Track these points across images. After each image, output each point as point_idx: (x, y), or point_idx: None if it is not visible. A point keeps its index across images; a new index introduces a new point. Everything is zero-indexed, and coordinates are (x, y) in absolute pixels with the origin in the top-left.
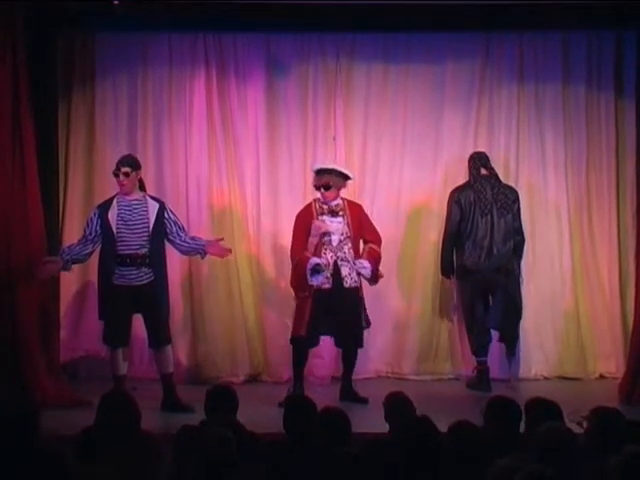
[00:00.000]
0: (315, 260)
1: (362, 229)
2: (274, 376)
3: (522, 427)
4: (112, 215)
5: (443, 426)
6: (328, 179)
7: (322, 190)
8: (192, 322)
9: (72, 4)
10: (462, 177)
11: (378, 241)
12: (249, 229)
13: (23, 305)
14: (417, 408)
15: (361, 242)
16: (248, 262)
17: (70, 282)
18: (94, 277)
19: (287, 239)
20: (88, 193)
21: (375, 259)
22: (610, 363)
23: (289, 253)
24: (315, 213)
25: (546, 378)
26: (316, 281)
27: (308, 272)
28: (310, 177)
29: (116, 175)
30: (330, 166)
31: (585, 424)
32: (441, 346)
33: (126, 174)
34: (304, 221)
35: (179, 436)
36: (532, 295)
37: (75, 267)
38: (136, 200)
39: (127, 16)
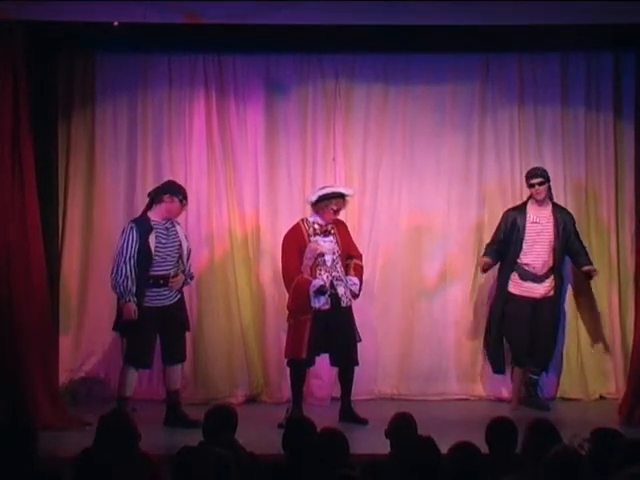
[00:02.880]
0: (319, 282)
1: (348, 246)
2: (273, 397)
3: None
4: (152, 238)
5: (444, 448)
6: (346, 204)
7: (338, 213)
8: (191, 342)
9: (72, 26)
10: (465, 197)
11: (360, 256)
12: (248, 249)
13: (22, 327)
14: (422, 429)
15: None
16: (248, 283)
17: (69, 304)
18: (94, 298)
19: None
20: (88, 215)
21: (361, 275)
22: (610, 384)
23: (282, 275)
24: (306, 234)
25: (546, 399)
26: (319, 303)
27: (312, 294)
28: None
29: (184, 205)
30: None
31: (586, 446)
32: (448, 366)
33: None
34: (295, 242)
35: (178, 457)
36: None
37: (74, 287)
38: (169, 224)
39: (127, 38)
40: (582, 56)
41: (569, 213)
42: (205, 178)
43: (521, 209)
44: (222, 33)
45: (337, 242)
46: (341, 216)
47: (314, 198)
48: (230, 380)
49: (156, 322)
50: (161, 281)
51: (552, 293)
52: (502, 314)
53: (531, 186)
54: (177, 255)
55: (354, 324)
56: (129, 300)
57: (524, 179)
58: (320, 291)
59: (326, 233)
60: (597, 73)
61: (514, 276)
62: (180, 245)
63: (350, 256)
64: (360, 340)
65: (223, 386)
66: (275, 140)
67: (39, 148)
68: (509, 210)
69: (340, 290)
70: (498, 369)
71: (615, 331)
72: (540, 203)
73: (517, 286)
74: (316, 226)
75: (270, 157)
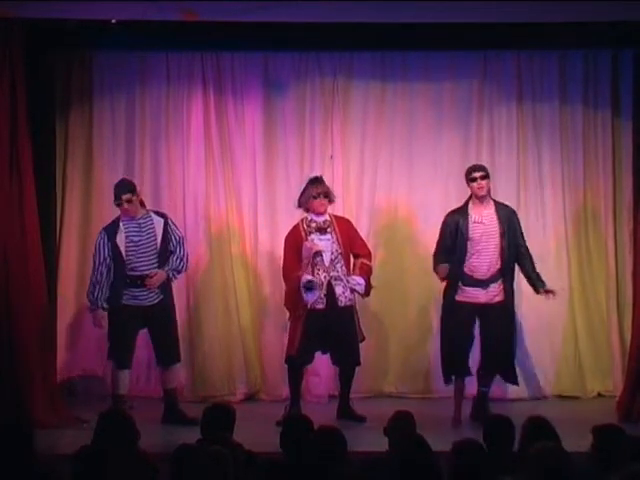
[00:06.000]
0: (307, 277)
1: (352, 244)
2: (272, 394)
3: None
4: (120, 238)
5: (443, 445)
6: (327, 188)
7: (321, 197)
8: (189, 340)
9: (70, 23)
10: (462, 195)
11: (369, 255)
12: (246, 247)
13: (20, 325)
14: (421, 427)
15: (351, 257)
16: (245, 280)
17: (67, 302)
18: None
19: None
20: (85, 214)
21: (367, 274)
22: (608, 381)
23: (282, 276)
24: (304, 234)
25: (544, 397)
26: (311, 298)
27: (302, 289)
28: None
29: (119, 205)
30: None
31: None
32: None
33: (128, 200)
34: (293, 242)
35: (176, 455)
36: (530, 314)
37: (71, 285)
38: (142, 219)
39: (125, 35)
40: (580, 54)
41: (512, 210)
42: (203, 176)
43: (462, 210)
44: (220, 31)
45: (337, 240)
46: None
47: (295, 203)
48: (228, 378)
49: (136, 322)
50: (139, 281)
51: (500, 298)
52: (450, 324)
53: (472, 180)
54: (154, 250)
55: (355, 323)
56: (95, 308)
57: (464, 177)
58: (307, 286)
59: (323, 231)
60: (595, 71)
61: (459, 283)
62: (156, 242)
63: (357, 255)
64: (363, 339)
65: (221, 384)
66: (273, 138)
67: (37, 146)
68: (450, 213)
69: (338, 290)
70: (446, 380)
71: (613, 328)
72: (482, 201)
73: (460, 292)
74: (312, 224)
75: (268, 155)
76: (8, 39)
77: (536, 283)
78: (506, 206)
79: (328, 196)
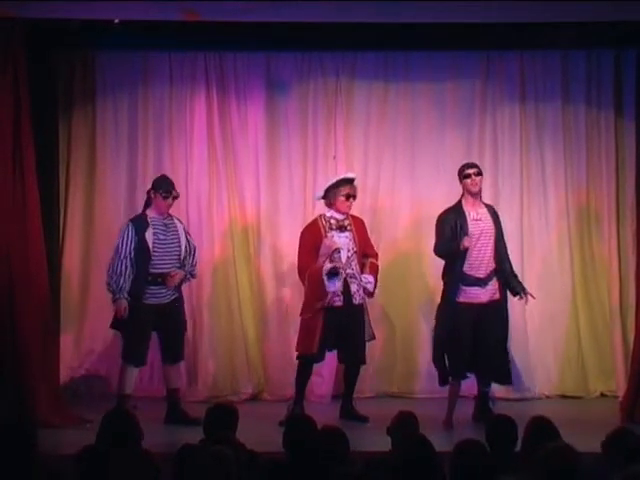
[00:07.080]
0: (329, 265)
1: (365, 244)
2: (275, 394)
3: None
4: (149, 234)
5: (446, 446)
6: (356, 191)
7: (351, 200)
8: (192, 340)
9: (72, 23)
10: None
11: (376, 255)
12: (249, 247)
13: (23, 325)
14: (424, 427)
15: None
16: (249, 280)
17: (71, 301)
18: (95, 296)
19: (287, 256)
20: (89, 213)
21: (377, 273)
22: (611, 381)
23: (297, 271)
24: (323, 230)
25: (547, 397)
26: (333, 287)
27: (325, 278)
28: (310, 195)
29: (165, 198)
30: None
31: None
32: None
33: (175, 197)
34: (311, 238)
35: (179, 455)
36: (533, 314)
37: (75, 286)
38: (166, 219)
39: (127, 35)
40: (583, 54)
41: (496, 211)
42: (206, 175)
43: (457, 209)
44: (223, 31)
45: (353, 238)
46: None
47: (321, 192)
48: (231, 378)
49: (152, 320)
50: (159, 279)
51: (497, 296)
52: (451, 327)
53: (467, 177)
54: (177, 252)
55: (365, 322)
56: (120, 297)
57: (457, 175)
58: (332, 273)
59: (342, 228)
60: (598, 71)
61: (460, 285)
62: (180, 243)
63: (366, 254)
64: (374, 338)
65: (224, 384)
66: (276, 138)
67: (40, 146)
68: (444, 212)
69: (353, 287)
70: (444, 380)
71: (616, 329)
72: (475, 198)
73: (462, 294)
74: (332, 221)
75: (271, 155)
76: (10, 39)
77: (516, 287)
78: (492, 207)
79: (354, 200)
